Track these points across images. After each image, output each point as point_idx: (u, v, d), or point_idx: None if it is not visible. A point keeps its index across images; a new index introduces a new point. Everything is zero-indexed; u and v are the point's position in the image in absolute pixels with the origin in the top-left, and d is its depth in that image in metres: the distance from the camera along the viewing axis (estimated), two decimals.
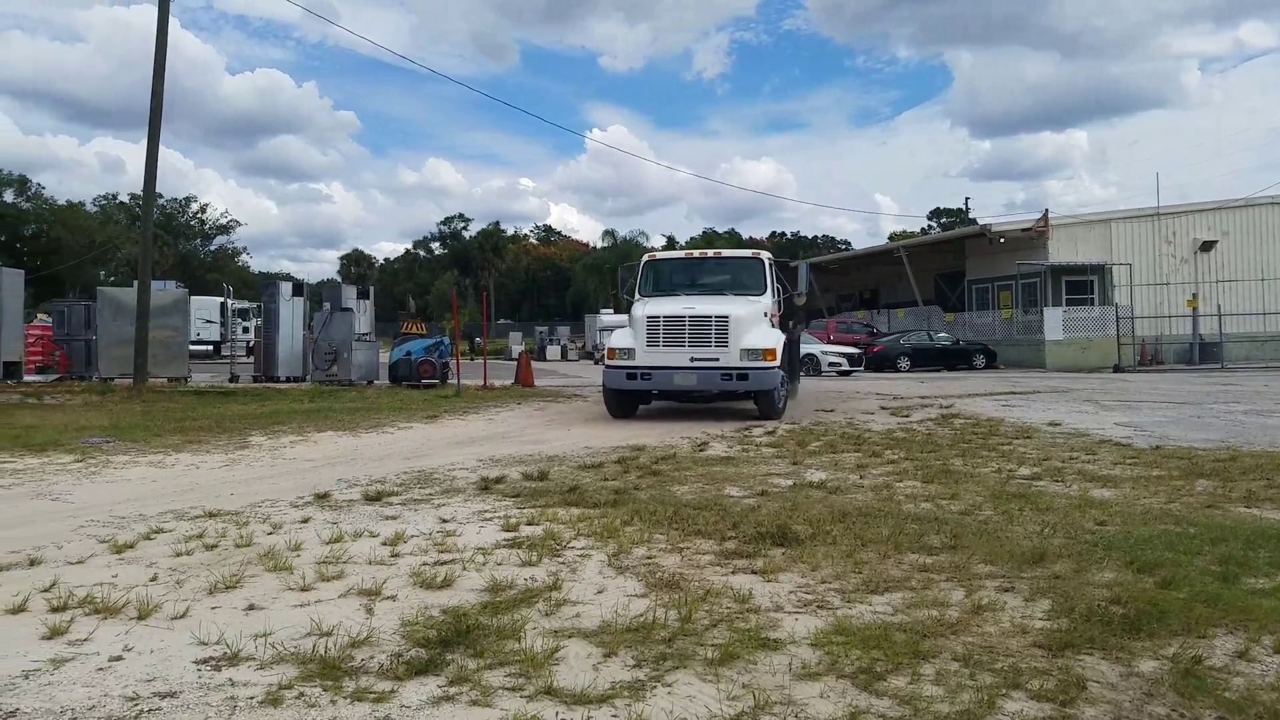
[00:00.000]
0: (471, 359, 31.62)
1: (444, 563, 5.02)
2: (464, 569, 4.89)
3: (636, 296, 14.53)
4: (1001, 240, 35.11)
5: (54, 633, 3.85)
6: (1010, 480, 7.72)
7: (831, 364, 26.44)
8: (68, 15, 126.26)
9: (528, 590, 4.45)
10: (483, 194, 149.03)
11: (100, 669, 3.46)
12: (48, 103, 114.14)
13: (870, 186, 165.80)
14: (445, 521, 6.24)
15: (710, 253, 16.50)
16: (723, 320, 12.75)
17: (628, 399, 13.82)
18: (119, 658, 3.58)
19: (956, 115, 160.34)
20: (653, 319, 13.07)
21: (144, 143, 21.85)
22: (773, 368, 12.77)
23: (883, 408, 15.35)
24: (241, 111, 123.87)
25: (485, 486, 7.58)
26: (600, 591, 4.47)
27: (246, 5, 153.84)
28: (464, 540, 5.61)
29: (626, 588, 4.53)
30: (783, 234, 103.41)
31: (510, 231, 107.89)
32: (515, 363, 24.97)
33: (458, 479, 8.12)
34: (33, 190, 65.58)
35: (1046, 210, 34.60)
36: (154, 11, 19.72)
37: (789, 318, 15.48)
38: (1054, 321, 31.88)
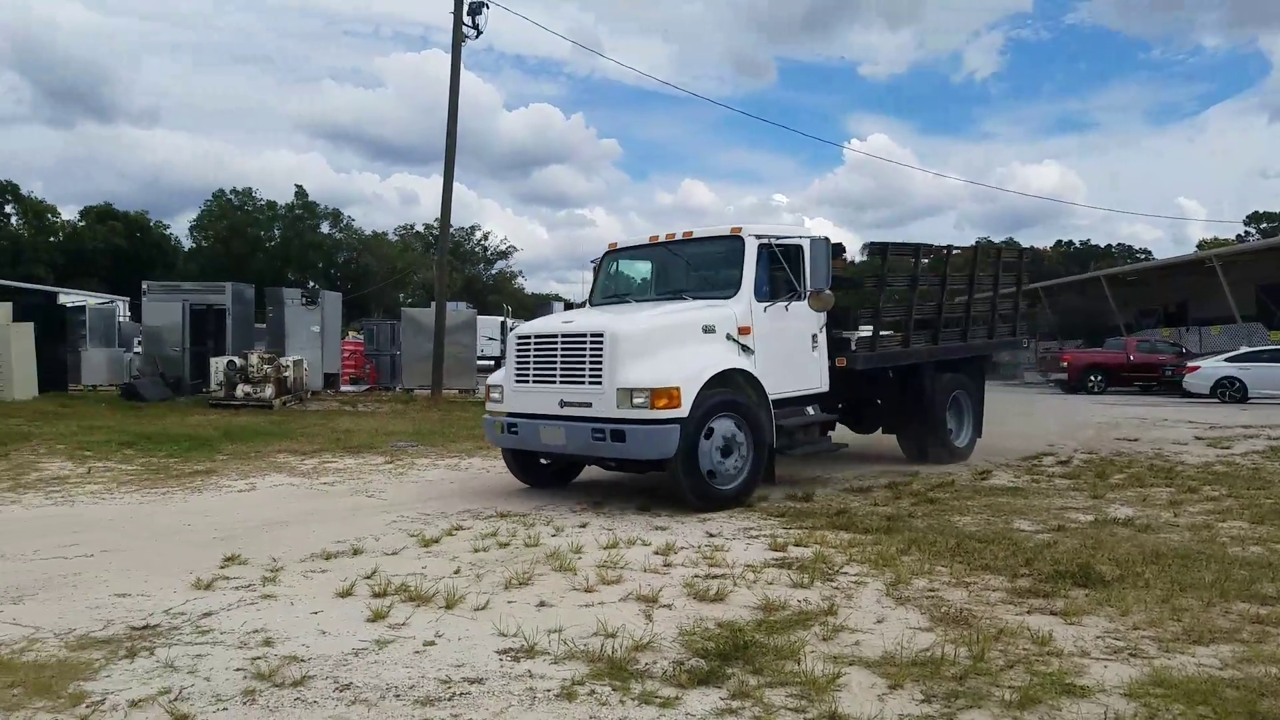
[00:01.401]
0: None
1: (714, 576, 5.08)
2: (734, 585, 4.92)
3: (587, 306, 10.20)
4: None
5: (376, 616, 4.30)
6: None
7: None
8: (370, 63, 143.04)
9: (802, 612, 4.38)
10: (735, 212, 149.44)
11: (417, 652, 3.82)
12: (353, 143, 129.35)
13: (1173, 189, 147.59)
14: (712, 536, 6.32)
15: (680, 235, 9.78)
16: (596, 341, 7.75)
17: (531, 459, 8.86)
18: (431, 643, 3.93)
19: (1276, 108, 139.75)
20: (521, 341, 8.45)
21: (435, 177, 24.09)
22: (667, 421, 7.30)
23: (1197, 437, 13.62)
24: (518, 145, 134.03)
25: (749, 504, 7.59)
26: (880, 621, 4.30)
27: (524, 44, 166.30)
28: (732, 556, 5.64)
29: (909, 619, 4.32)
30: (1070, 242, 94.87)
31: None
32: None
33: None
34: (344, 222, 74.92)
35: None
36: (444, 58, 21.90)
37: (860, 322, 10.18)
38: None
